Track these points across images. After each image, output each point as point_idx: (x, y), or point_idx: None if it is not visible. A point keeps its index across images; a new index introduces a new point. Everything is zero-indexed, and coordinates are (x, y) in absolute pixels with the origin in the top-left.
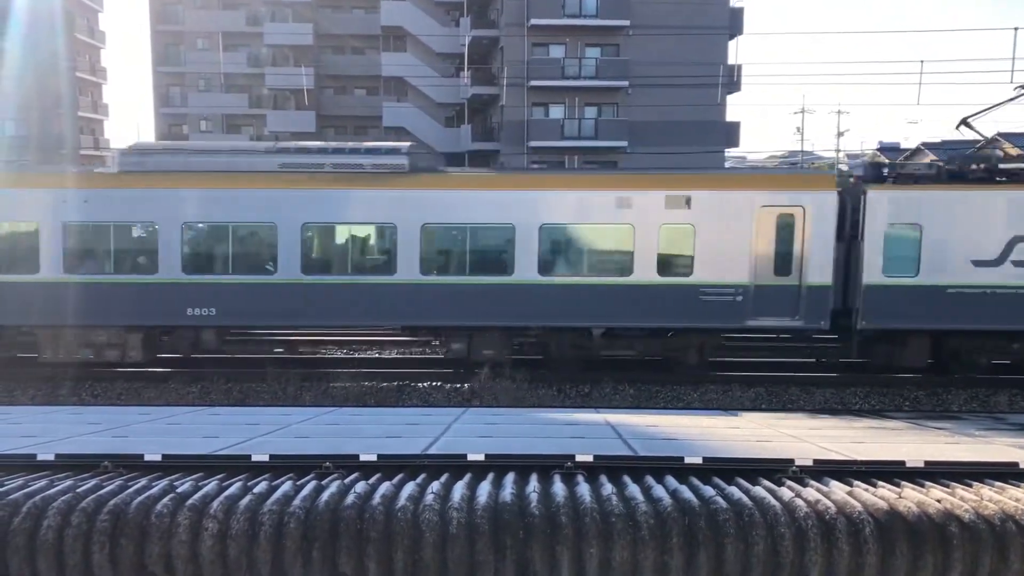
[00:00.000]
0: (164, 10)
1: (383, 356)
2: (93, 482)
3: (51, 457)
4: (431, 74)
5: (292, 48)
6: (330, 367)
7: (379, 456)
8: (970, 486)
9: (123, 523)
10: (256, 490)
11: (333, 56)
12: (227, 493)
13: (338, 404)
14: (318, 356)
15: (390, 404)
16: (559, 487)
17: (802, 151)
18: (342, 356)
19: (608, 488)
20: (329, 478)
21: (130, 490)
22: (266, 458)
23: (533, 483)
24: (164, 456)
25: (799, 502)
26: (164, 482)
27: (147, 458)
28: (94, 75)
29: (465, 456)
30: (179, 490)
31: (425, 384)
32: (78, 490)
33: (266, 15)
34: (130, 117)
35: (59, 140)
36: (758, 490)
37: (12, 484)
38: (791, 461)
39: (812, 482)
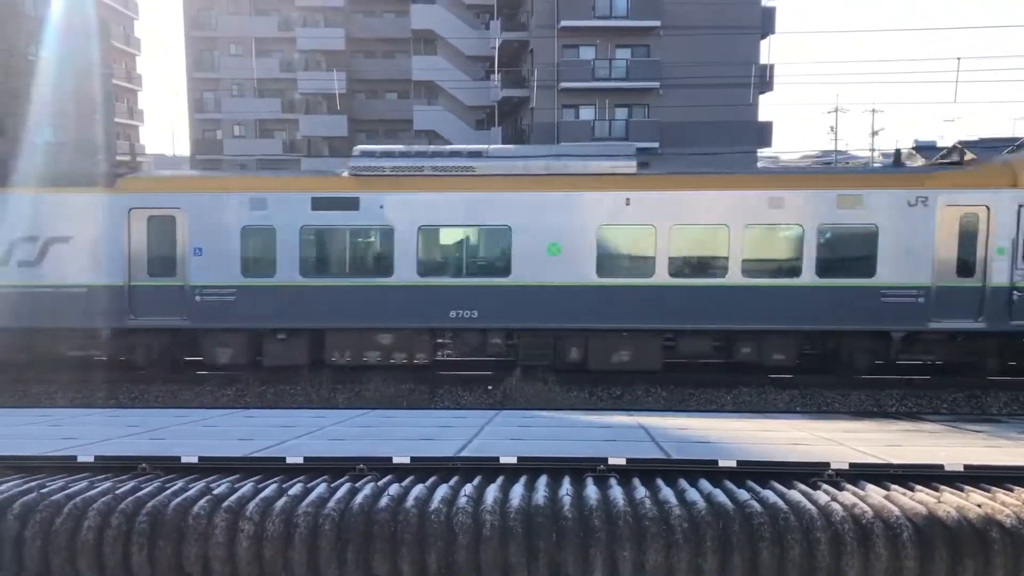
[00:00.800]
0: (198, 16)
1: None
2: (131, 484)
3: (91, 459)
4: (461, 77)
5: (324, 53)
6: (363, 370)
7: (412, 458)
8: (1011, 490)
9: (161, 524)
10: (291, 492)
11: (364, 60)
12: (263, 495)
13: (371, 406)
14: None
15: (422, 406)
16: (592, 490)
17: (836, 151)
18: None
19: (641, 491)
20: (363, 480)
21: (168, 492)
22: (301, 460)
23: (566, 486)
24: (200, 458)
25: (835, 506)
26: (201, 484)
27: (184, 460)
28: (130, 82)
29: (497, 459)
30: (215, 492)
31: (457, 386)
32: (117, 491)
33: (298, 20)
34: (165, 123)
35: (96, 146)
36: (793, 494)
37: (53, 485)
38: (827, 464)
39: (848, 486)
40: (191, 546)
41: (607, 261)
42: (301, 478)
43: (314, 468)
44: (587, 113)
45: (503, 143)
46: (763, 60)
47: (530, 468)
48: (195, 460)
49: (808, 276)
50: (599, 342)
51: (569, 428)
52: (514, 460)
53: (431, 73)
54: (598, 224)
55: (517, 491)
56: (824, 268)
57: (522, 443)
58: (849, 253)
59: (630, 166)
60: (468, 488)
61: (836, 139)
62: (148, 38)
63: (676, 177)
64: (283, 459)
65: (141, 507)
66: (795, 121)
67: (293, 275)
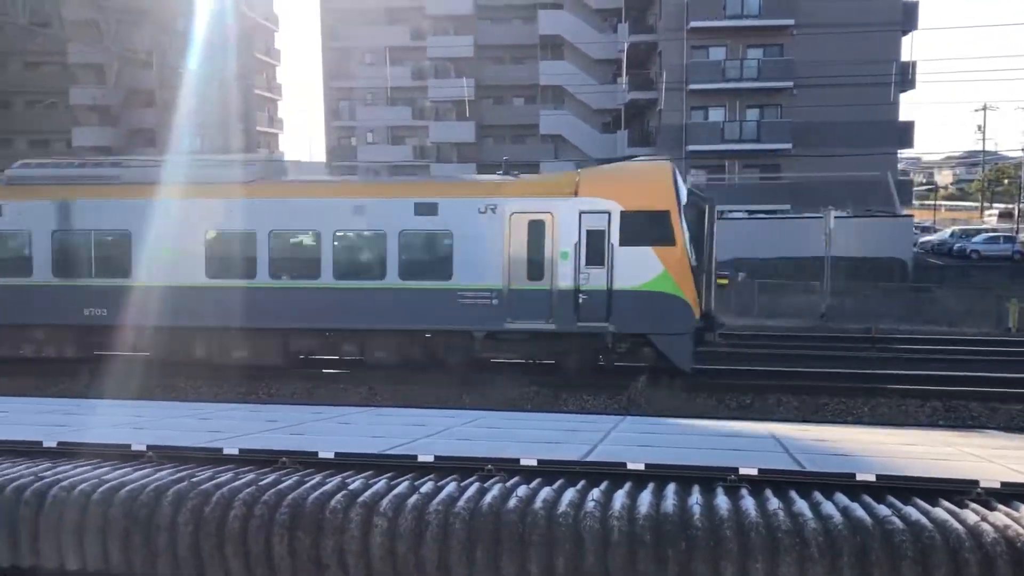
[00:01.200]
0: (335, 28)
1: (540, 362)
2: (273, 477)
3: (235, 452)
4: (588, 81)
5: (453, 60)
6: (489, 371)
7: (539, 461)
8: None
9: (300, 517)
10: (423, 490)
11: (492, 66)
12: (395, 492)
13: (496, 408)
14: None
15: (546, 409)
16: (722, 500)
17: (983, 150)
18: (501, 360)
19: (774, 503)
20: (491, 481)
21: (306, 486)
22: (431, 459)
23: (695, 495)
24: (336, 454)
25: (985, 526)
26: (337, 479)
27: (321, 455)
28: (270, 91)
29: (624, 464)
30: (351, 487)
31: (582, 391)
32: (260, 483)
33: (429, 29)
34: (303, 130)
35: (238, 153)
36: (938, 512)
37: (203, 475)
38: (975, 482)
39: (1000, 506)
40: (328, 539)
41: (216, 264)
42: (431, 476)
43: (444, 467)
44: (716, 115)
45: (628, 146)
46: (904, 57)
47: (658, 475)
48: (331, 456)
49: (393, 278)
50: (219, 339)
51: (697, 436)
52: (642, 467)
53: (558, 78)
54: (206, 229)
55: (645, 498)
56: (406, 271)
57: (649, 450)
58: (428, 257)
59: (250, 174)
60: (596, 493)
61: (984, 138)
62: (288, 49)
63: (279, 185)
64: (414, 457)
65: (282, 499)
66: (939, 120)
67: None
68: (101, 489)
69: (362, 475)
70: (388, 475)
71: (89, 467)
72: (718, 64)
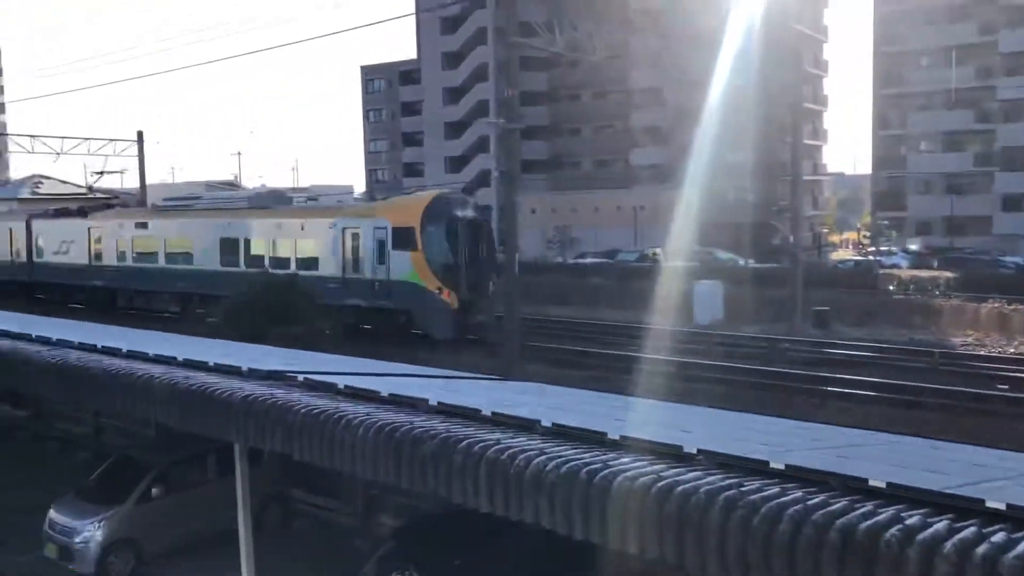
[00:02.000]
0: (888, 32)
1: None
2: (821, 498)
3: (782, 467)
4: None
5: None
6: None
7: None
8: None
9: (851, 544)
10: (994, 539)
11: None
12: (960, 536)
13: None
14: None
15: None
16: None
17: None
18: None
19: None
20: None
21: (857, 512)
22: (1003, 506)
23: None
24: (888, 484)
25: None
26: (890, 511)
27: (871, 483)
28: (815, 103)
29: None
30: (907, 523)
31: None
32: (808, 503)
33: (1003, 22)
34: (846, 141)
35: (781, 167)
36: None
37: (751, 486)
38: None
39: None
40: (882, 572)
41: (224, 255)
42: (1003, 526)
43: (1019, 518)
44: None
45: None
46: None
47: None
48: (882, 485)
49: (293, 267)
50: (200, 303)
51: None
52: None
53: None
54: (218, 236)
55: None
56: (300, 264)
57: None
58: (312, 256)
59: (240, 201)
60: None
61: None
62: (835, 58)
63: (229, 211)
64: (981, 501)
65: (831, 522)
66: None
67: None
68: (658, 485)
69: (918, 511)
70: (948, 516)
71: (646, 462)
72: None
